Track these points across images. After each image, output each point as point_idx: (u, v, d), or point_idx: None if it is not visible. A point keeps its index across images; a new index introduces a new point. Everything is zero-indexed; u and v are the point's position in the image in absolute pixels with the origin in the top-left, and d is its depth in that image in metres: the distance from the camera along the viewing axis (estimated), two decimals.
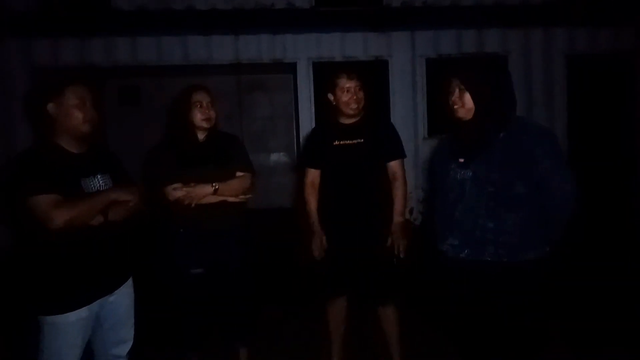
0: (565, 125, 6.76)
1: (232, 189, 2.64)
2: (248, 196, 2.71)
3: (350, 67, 2.82)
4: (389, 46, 6.57)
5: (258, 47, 6.42)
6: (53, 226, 1.88)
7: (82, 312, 2.01)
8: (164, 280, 2.73)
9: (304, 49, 6.46)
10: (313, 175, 2.84)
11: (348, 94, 2.70)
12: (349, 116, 2.76)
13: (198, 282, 2.64)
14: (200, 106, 2.62)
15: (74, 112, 2.01)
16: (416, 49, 6.60)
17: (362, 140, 2.73)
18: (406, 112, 6.58)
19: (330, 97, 2.78)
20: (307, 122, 6.46)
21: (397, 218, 2.77)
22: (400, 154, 2.83)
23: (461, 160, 2.05)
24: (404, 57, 6.58)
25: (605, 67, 6.75)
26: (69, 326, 1.98)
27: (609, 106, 6.83)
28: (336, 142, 2.75)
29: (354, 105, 2.71)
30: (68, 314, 1.97)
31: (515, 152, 1.94)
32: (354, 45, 6.51)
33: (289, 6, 6.51)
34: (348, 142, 2.74)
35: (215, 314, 2.76)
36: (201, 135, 2.68)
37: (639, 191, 6.71)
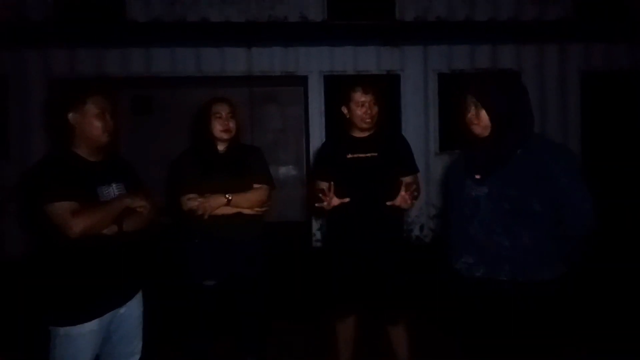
0: (579, 142, 6.70)
1: (247, 201, 2.64)
2: (264, 209, 2.71)
3: (366, 81, 2.83)
4: (402, 60, 6.57)
5: (270, 59, 6.44)
6: (71, 234, 1.90)
7: (94, 324, 2.01)
8: (176, 291, 2.74)
9: (316, 62, 6.48)
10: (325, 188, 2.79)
11: (363, 108, 2.69)
12: (363, 130, 2.75)
13: (210, 294, 2.65)
14: (220, 117, 2.66)
15: (95, 122, 2.05)
16: (429, 64, 6.58)
17: (376, 154, 2.71)
18: (418, 127, 6.55)
19: (344, 110, 2.77)
20: (317, 135, 6.47)
21: (407, 179, 2.70)
22: (414, 169, 2.81)
23: (477, 177, 2.01)
24: (417, 71, 6.57)
25: (620, 84, 6.69)
26: (81, 338, 1.98)
27: (623, 124, 6.76)
28: (349, 156, 2.73)
29: (368, 120, 2.70)
30: (81, 325, 1.98)
31: (532, 169, 1.90)
32: (366, 59, 6.51)
33: (301, 19, 6.57)
34: (361, 155, 2.72)
35: (225, 326, 2.75)
36: (221, 147, 2.71)
37: None
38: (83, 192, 1.99)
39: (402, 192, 2.55)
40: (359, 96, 2.69)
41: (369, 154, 2.71)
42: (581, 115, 6.75)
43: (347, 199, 2.61)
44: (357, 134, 2.78)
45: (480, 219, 1.98)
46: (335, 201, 2.61)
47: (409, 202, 2.57)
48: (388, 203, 2.54)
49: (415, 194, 2.62)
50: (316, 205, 2.65)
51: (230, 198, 2.59)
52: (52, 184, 1.94)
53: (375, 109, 2.72)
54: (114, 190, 2.11)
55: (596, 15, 6.84)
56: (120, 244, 2.05)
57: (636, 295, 4.02)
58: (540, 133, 2.11)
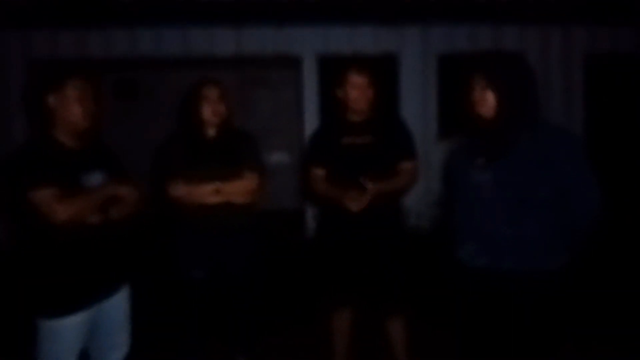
0: (582, 126, 6.66)
1: (237, 189, 2.57)
2: (255, 198, 2.64)
3: (361, 63, 2.79)
4: (400, 41, 6.46)
5: (261, 40, 6.32)
6: (56, 220, 1.90)
7: (80, 316, 2.01)
8: (164, 283, 2.70)
9: (310, 43, 6.34)
10: (318, 175, 2.73)
11: (357, 90, 2.66)
12: (358, 113, 2.72)
13: (199, 286, 2.60)
14: (209, 100, 2.60)
15: (74, 106, 2.02)
16: (428, 45, 6.47)
17: (372, 138, 2.69)
18: (417, 112, 6.42)
19: (339, 92, 2.73)
20: (312, 119, 6.34)
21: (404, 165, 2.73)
22: (412, 155, 2.73)
23: (481, 163, 1.99)
24: (416, 53, 6.45)
25: (625, 67, 6.68)
26: (66, 330, 1.99)
27: (628, 107, 6.77)
28: (344, 140, 2.69)
29: (363, 102, 2.68)
30: (64, 318, 1.98)
31: (538, 155, 1.89)
32: (363, 39, 6.38)
33: None
34: (357, 139, 2.68)
35: (216, 320, 2.73)
36: (212, 132, 2.65)
37: None
38: (66, 179, 1.97)
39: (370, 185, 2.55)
40: (354, 78, 2.67)
41: (364, 138, 2.68)
42: (584, 98, 6.72)
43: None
44: (353, 118, 2.74)
45: (484, 206, 1.98)
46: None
47: (361, 201, 2.56)
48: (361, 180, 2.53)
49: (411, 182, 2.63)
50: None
51: (218, 186, 2.53)
52: (34, 171, 1.93)
53: (370, 92, 2.69)
54: (97, 178, 2.09)
55: None
56: (105, 234, 2.05)
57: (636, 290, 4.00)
58: (546, 119, 2.08)
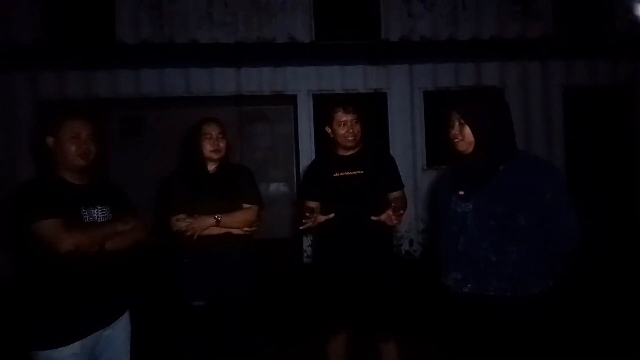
0: (563, 157, 6.81)
1: (236, 221, 2.64)
2: (253, 229, 2.70)
3: (348, 101, 2.85)
4: (388, 79, 6.67)
5: (259, 79, 6.50)
6: (62, 248, 1.88)
7: (75, 347, 1.97)
8: (165, 311, 2.72)
9: (304, 82, 6.54)
10: (312, 207, 2.80)
11: (345, 127, 2.72)
12: (347, 148, 2.78)
13: (199, 314, 2.63)
14: (210, 138, 2.68)
15: (68, 146, 2.03)
16: (414, 82, 6.69)
17: (362, 171, 2.74)
18: (405, 144, 6.63)
19: (328, 130, 2.80)
20: (307, 152, 6.51)
21: (393, 195, 2.77)
22: (400, 185, 2.84)
23: (461, 193, 2.03)
24: (403, 89, 6.66)
25: (602, 99, 6.83)
26: None
27: (606, 138, 6.89)
28: (336, 174, 2.75)
29: (350, 138, 2.73)
30: (60, 349, 1.93)
31: (517, 185, 1.92)
32: (354, 77, 6.60)
33: (289, 40, 6.65)
34: (347, 173, 2.74)
35: (214, 347, 2.71)
36: (211, 167, 2.72)
37: (639, 218, 6.73)
38: (66, 212, 1.97)
39: (389, 212, 2.54)
40: (340, 116, 2.72)
41: (355, 172, 2.74)
42: (564, 129, 6.86)
43: (332, 215, 2.63)
44: (343, 152, 2.80)
45: (467, 234, 2.00)
46: (321, 218, 2.63)
47: (394, 220, 2.56)
48: (373, 218, 2.56)
49: (402, 211, 2.63)
50: (300, 227, 2.64)
51: (219, 219, 2.59)
52: (38, 203, 1.94)
53: (357, 128, 2.74)
54: (98, 212, 2.09)
55: (577, 32, 7.02)
56: (102, 264, 2.03)
57: (623, 304, 4.08)
58: (524, 149, 2.14)
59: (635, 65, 6.91)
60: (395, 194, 2.79)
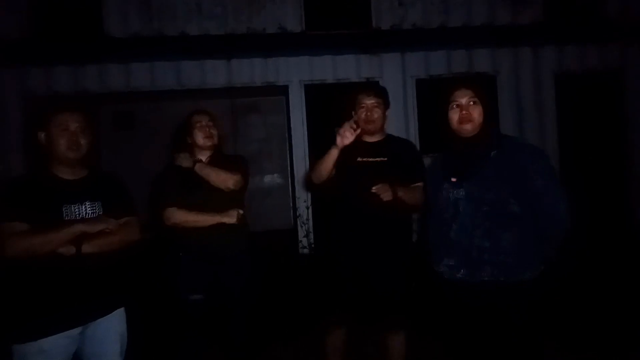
0: (555, 142, 6.82)
1: (217, 177, 2.62)
2: (240, 212, 2.65)
3: (370, 86, 2.84)
4: (380, 67, 6.64)
5: (251, 70, 6.46)
6: (8, 254, 1.90)
7: (56, 341, 1.97)
8: (162, 306, 2.70)
9: (295, 72, 6.51)
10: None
11: (364, 111, 2.74)
12: (371, 133, 2.77)
13: (196, 308, 2.62)
14: (202, 126, 2.68)
15: (58, 139, 2.03)
16: (407, 70, 6.67)
17: (385, 159, 2.72)
18: (398, 131, 6.37)
19: (354, 114, 2.79)
20: (300, 143, 6.48)
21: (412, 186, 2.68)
22: (418, 179, 2.69)
23: (453, 179, 2.03)
24: (395, 78, 6.63)
25: (593, 84, 6.85)
26: (41, 354, 1.95)
27: (598, 123, 6.91)
28: (359, 159, 2.73)
29: (371, 122, 2.73)
30: (41, 341, 1.94)
31: (508, 170, 1.94)
32: (346, 67, 6.57)
33: (280, 30, 6.63)
34: (371, 159, 2.72)
35: (214, 340, 2.74)
36: (204, 157, 2.71)
37: (630, 205, 6.77)
38: (45, 211, 1.96)
39: (386, 185, 2.52)
40: (361, 99, 2.76)
41: (378, 159, 2.72)
42: (557, 115, 6.87)
43: (359, 130, 2.58)
44: (367, 139, 2.78)
45: (460, 221, 2.00)
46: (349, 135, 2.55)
47: (389, 194, 2.52)
48: (373, 189, 2.52)
49: (410, 202, 2.59)
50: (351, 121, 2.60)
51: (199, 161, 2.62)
52: (6, 204, 1.95)
53: (378, 112, 2.75)
54: (85, 208, 2.06)
55: (568, 17, 7.02)
56: (80, 263, 1.99)
57: (616, 294, 4.08)
58: (514, 135, 2.18)
59: (627, 51, 6.90)
60: (414, 186, 2.70)
